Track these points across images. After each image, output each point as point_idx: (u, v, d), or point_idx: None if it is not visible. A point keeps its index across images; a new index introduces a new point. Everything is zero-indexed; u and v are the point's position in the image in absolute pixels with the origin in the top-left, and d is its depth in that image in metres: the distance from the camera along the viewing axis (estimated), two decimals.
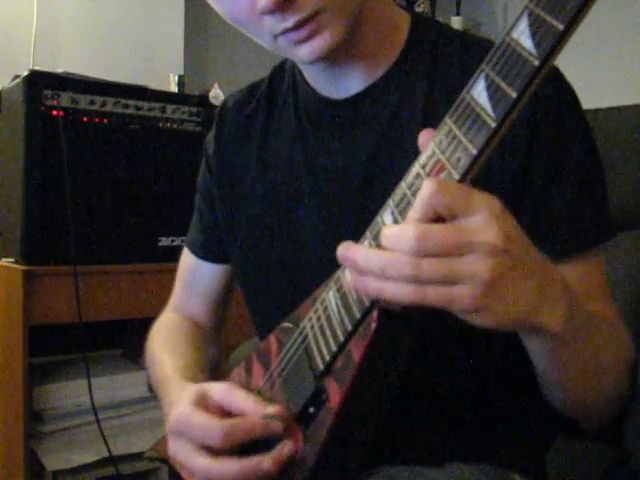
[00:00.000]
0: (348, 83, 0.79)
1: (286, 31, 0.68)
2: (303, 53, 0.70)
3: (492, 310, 0.51)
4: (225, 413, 0.67)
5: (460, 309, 0.51)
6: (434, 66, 0.77)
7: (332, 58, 0.74)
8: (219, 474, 0.64)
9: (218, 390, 0.69)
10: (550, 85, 0.72)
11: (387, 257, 0.51)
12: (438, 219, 0.51)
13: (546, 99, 0.71)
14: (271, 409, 0.64)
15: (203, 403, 0.68)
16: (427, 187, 0.50)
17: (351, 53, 0.76)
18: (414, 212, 0.51)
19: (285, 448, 0.63)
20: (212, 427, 0.65)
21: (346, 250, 0.54)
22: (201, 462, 0.65)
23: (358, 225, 0.61)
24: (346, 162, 0.79)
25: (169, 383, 0.80)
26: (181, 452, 0.68)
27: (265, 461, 0.62)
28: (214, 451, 0.65)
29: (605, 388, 0.70)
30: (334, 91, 0.80)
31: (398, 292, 0.51)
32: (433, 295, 0.50)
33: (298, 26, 0.67)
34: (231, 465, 0.64)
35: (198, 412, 0.66)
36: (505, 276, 0.50)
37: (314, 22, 0.68)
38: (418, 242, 0.49)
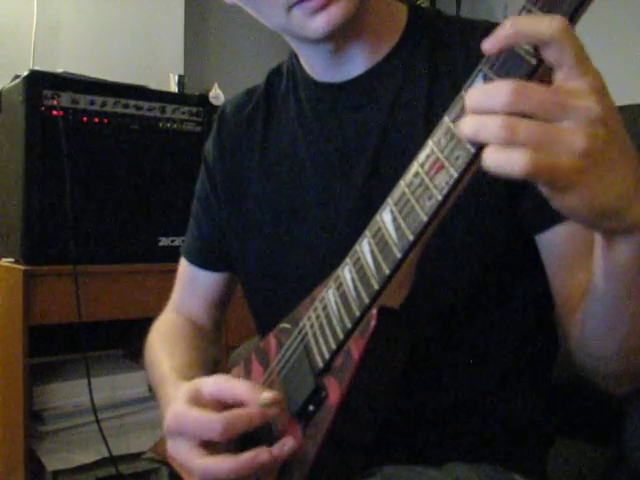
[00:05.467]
0: (350, 66, 0.79)
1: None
2: (319, 23, 0.69)
3: (586, 189, 0.45)
4: (220, 405, 0.67)
5: (550, 180, 0.45)
6: (435, 47, 0.77)
7: (340, 36, 0.74)
8: (217, 470, 0.63)
9: (211, 383, 0.68)
10: None
11: (479, 119, 0.46)
12: None
13: None
14: (267, 395, 0.63)
15: (198, 399, 0.67)
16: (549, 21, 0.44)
17: (355, 35, 0.76)
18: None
19: (286, 445, 0.63)
20: (210, 421, 0.64)
21: None
22: (199, 460, 0.65)
23: (363, 214, 0.60)
24: (350, 147, 0.78)
25: (166, 384, 0.79)
26: (180, 452, 0.67)
27: (262, 454, 0.62)
28: (214, 446, 0.65)
29: None
30: (336, 75, 0.80)
31: (494, 157, 0.45)
32: (526, 161, 0.44)
33: None
34: (229, 460, 0.63)
35: (194, 409, 0.66)
36: (604, 151, 0.45)
37: None
38: (514, 97, 0.44)
